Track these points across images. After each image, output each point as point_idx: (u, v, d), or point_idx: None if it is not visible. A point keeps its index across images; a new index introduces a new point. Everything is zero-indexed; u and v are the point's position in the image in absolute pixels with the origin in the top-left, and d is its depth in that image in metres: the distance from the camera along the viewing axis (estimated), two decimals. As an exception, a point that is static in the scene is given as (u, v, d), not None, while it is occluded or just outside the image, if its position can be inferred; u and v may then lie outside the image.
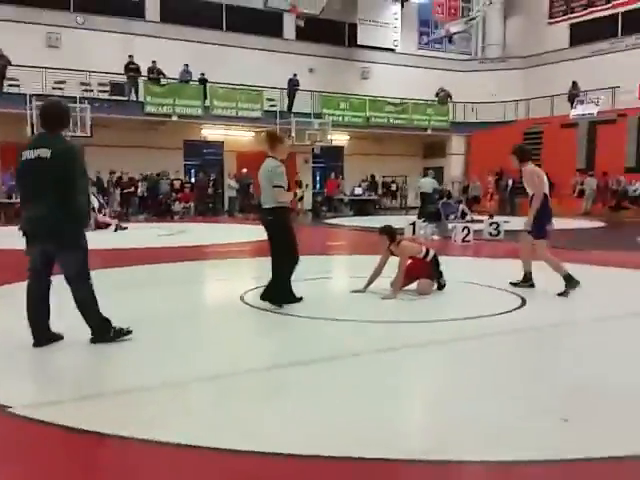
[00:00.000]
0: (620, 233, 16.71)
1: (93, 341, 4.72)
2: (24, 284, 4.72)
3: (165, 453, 2.95)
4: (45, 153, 4.43)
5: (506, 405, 3.54)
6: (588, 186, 22.70)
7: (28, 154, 4.49)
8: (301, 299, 6.34)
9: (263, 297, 6.13)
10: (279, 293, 6.14)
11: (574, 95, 26.11)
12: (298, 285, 6.46)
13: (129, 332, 4.85)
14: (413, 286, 6.93)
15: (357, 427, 3.20)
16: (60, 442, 3.09)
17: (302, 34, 27.70)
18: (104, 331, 4.74)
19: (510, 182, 24.44)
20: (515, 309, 6.12)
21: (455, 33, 29.91)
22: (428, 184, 19.60)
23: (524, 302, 6.39)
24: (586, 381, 3.95)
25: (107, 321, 4.77)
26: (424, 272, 6.92)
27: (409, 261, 6.87)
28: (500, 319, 5.78)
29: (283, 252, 6.10)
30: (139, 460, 2.91)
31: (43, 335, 4.66)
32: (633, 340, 5.09)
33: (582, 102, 25.47)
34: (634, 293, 7.35)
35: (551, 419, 3.27)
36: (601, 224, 18.61)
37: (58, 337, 4.76)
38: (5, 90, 21.11)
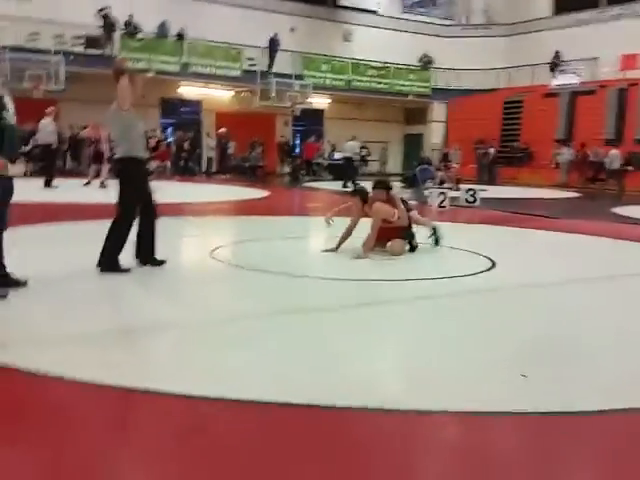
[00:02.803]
0: (593, 204, 16.84)
1: None
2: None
3: (128, 398, 2.90)
4: None
5: (470, 360, 3.54)
6: (562, 157, 22.78)
7: None
8: (164, 262, 5.64)
9: (100, 267, 5.30)
10: (111, 256, 5.32)
11: (556, 65, 26.02)
12: (273, 244, 6.38)
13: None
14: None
15: (325, 377, 3.19)
16: (17, 385, 3.01)
17: (284, -8, 27.12)
18: None
19: (492, 151, 24.48)
20: (485, 271, 6.12)
21: (439, -3, 29.49)
22: (348, 148, 19.62)
23: (494, 265, 6.39)
24: (549, 340, 3.97)
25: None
26: (396, 234, 6.87)
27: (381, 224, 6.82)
28: (470, 280, 5.78)
29: (126, 210, 5.38)
30: (100, 404, 2.85)
31: None
32: (598, 302, 5.12)
33: (564, 72, 25.41)
34: (601, 258, 7.42)
35: (512, 374, 3.27)
36: (576, 195, 18.75)
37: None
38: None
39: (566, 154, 22.71)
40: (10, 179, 4.39)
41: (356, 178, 17.83)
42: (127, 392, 2.91)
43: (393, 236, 6.85)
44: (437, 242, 7.29)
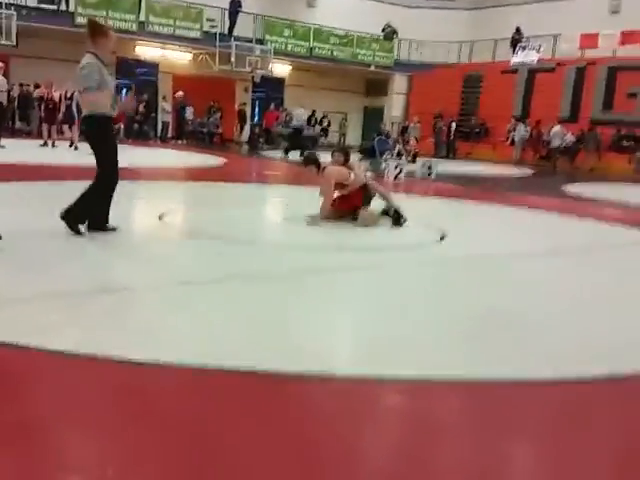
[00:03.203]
0: (545, 181, 17.17)
1: None
2: None
3: (55, 361, 2.82)
4: None
5: (420, 328, 3.57)
6: (517, 134, 23.11)
7: None
8: (114, 229, 5.46)
9: (63, 217, 5.21)
10: (81, 215, 5.28)
11: (517, 41, 26.18)
12: (225, 211, 6.30)
13: None
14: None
15: (271, 343, 3.16)
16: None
17: (247, -47, 26.44)
18: None
19: (454, 125, 24.67)
20: (436, 241, 6.19)
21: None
22: (296, 116, 19.39)
23: (445, 236, 6.47)
24: (498, 309, 4.03)
25: None
26: (357, 199, 6.79)
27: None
28: (420, 250, 5.85)
29: (103, 169, 5.31)
30: (24, 367, 2.79)
31: None
32: (546, 274, 5.22)
33: (524, 48, 25.59)
34: (550, 233, 7.59)
35: (461, 342, 3.33)
36: (530, 172, 19.07)
37: None
38: None
39: (521, 131, 23.04)
40: None
41: (303, 148, 17.75)
42: (64, 357, 2.83)
43: (356, 203, 6.80)
44: (397, 223, 6.81)
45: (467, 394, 2.83)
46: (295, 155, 16.33)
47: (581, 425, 2.58)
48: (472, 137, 25.62)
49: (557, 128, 21.24)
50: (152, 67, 25.00)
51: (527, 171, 19.13)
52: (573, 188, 13.36)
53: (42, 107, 16.30)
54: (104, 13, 21.46)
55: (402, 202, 7.36)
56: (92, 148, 5.35)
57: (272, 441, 2.24)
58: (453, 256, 5.64)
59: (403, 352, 3.18)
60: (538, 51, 24.87)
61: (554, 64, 24.49)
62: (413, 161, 16.20)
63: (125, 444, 2.16)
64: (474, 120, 25.89)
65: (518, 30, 26.25)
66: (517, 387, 2.89)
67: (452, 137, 24.81)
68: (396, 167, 12.83)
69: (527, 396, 2.82)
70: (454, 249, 6.00)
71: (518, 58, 25.48)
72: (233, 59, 22.87)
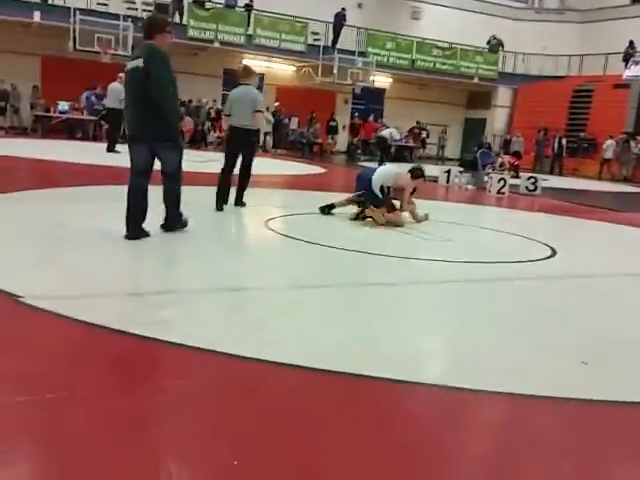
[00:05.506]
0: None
1: (163, 227, 5.41)
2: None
3: (172, 353, 2.93)
4: (139, 63, 5.01)
5: (527, 343, 3.45)
6: (609, 149, 21.96)
7: (130, 64, 5.16)
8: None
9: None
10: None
11: (630, 55, 24.96)
12: (325, 218, 6.36)
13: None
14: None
15: (371, 348, 3.16)
16: (63, 333, 3.09)
17: (354, -33, 26.72)
18: (175, 224, 5.46)
19: (563, 141, 23.70)
20: (545, 258, 5.97)
21: (513, -23, 28.57)
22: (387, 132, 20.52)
23: (554, 253, 6.23)
24: (609, 331, 3.84)
25: (181, 217, 5.52)
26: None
27: None
28: (528, 266, 5.66)
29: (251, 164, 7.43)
30: (143, 357, 2.91)
31: (137, 230, 5.08)
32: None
33: (637, 63, 24.36)
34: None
35: (571, 361, 3.19)
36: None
37: (146, 234, 5.17)
38: (50, 2, 20.89)
39: (614, 146, 21.97)
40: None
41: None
42: (173, 347, 2.94)
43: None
44: None
45: (575, 412, 2.70)
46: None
47: None
48: (579, 153, 24.58)
49: (610, 141, 22.04)
50: (258, 79, 25.66)
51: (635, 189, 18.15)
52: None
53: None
54: (214, 27, 22.33)
55: (506, 216, 7.16)
56: (247, 152, 7.31)
57: (366, 442, 2.22)
58: (564, 273, 5.43)
59: (508, 368, 3.09)
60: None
61: (671, 78, 23.16)
62: (517, 176, 15.75)
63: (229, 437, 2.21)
64: (582, 135, 24.84)
65: (631, 44, 25.04)
66: (627, 410, 2.74)
67: (559, 152, 23.80)
68: (499, 181, 12.51)
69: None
70: (565, 266, 5.78)
71: (631, 72, 24.27)
72: (335, 71, 23.13)
